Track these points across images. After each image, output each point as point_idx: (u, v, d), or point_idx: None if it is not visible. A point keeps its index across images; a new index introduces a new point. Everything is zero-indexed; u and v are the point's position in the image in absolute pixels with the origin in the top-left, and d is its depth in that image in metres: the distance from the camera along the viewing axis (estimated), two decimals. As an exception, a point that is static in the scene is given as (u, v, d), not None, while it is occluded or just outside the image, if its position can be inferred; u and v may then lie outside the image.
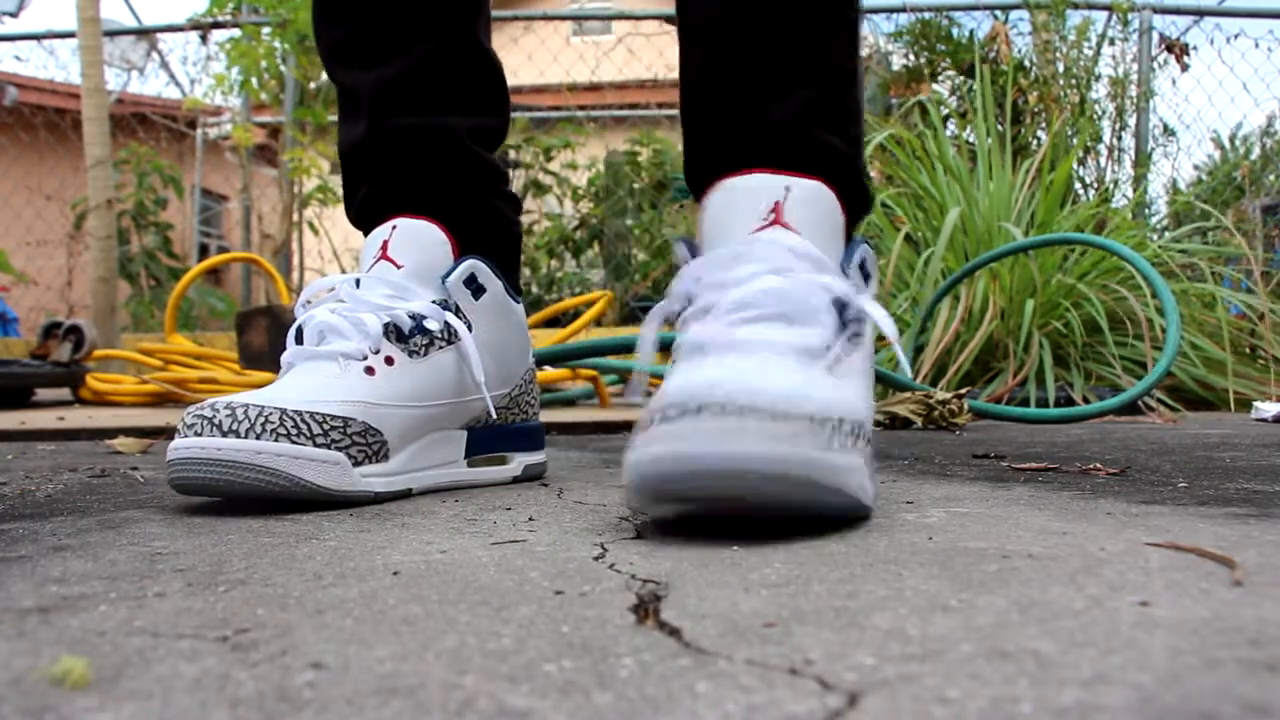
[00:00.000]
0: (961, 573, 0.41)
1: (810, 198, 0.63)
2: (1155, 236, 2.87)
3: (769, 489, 0.46)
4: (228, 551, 0.48)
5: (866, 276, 0.65)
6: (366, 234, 0.80)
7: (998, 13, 3.66)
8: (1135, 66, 3.55)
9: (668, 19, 3.60)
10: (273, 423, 0.61)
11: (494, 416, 0.77)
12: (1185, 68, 3.67)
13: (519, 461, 0.80)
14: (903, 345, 1.97)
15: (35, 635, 0.33)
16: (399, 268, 0.74)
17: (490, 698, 0.26)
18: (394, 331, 0.71)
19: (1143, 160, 3.47)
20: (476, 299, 0.76)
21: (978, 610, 0.34)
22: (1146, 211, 3.36)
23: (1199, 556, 0.43)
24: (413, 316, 0.72)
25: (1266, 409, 1.70)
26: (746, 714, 0.24)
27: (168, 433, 1.37)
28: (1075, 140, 2.82)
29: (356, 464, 0.65)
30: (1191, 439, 1.20)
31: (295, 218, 3.80)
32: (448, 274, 0.74)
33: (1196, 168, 4.26)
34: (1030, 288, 2.09)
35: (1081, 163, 3.31)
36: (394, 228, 0.74)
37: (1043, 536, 0.49)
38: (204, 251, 5.39)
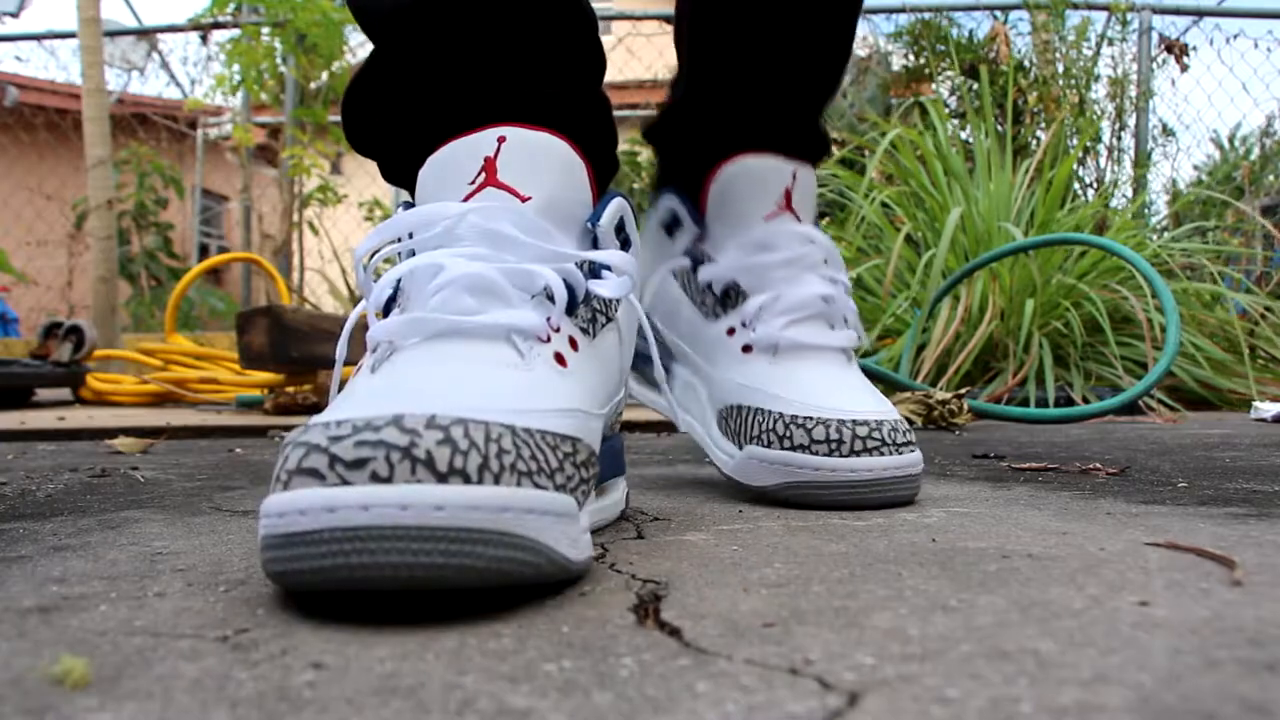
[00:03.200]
0: (961, 573, 0.41)
1: (809, 183, 0.72)
2: (1155, 237, 2.87)
3: None
4: (228, 551, 0.48)
5: None
6: (408, 155, 0.55)
7: (997, 13, 3.66)
8: (1135, 67, 3.55)
9: (668, 19, 3.60)
10: (508, 452, 0.36)
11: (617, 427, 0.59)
12: (1185, 68, 3.67)
13: (621, 490, 0.59)
14: (904, 345, 1.98)
15: (35, 635, 0.33)
16: (524, 199, 0.49)
17: (490, 698, 0.26)
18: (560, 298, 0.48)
19: (1142, 160, 3.47)
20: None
21: (978, 610, 0.34)
22: (1146, 211, 3.36)
23: (1199, 556, 0.43)
24: (593, 272, 0.51)
25: (1266, 409, 1.70)
26: (746, 714, 0.24)
27: (168, 432, 1.37)
28: (1075, 141, 2.82)
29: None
30: (1191, 439, 1.20)
31: (295, 218, 3.80)
32: (595, 215, 0.52)
33: (1196, 168, 4.27)
34: (1030, 288, 2.09)
35: (1081, 163, 3.31)
36: (501, 139, 0.50)
37: (1043, 536, 0.49)
38: (204, 251, 5.39)
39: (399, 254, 0.50)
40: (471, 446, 0.34)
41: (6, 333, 5.36)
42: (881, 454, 0.60)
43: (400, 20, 0.56)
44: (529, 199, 0.50)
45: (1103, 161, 3.45)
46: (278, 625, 0.33)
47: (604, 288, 0.51)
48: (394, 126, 0.59)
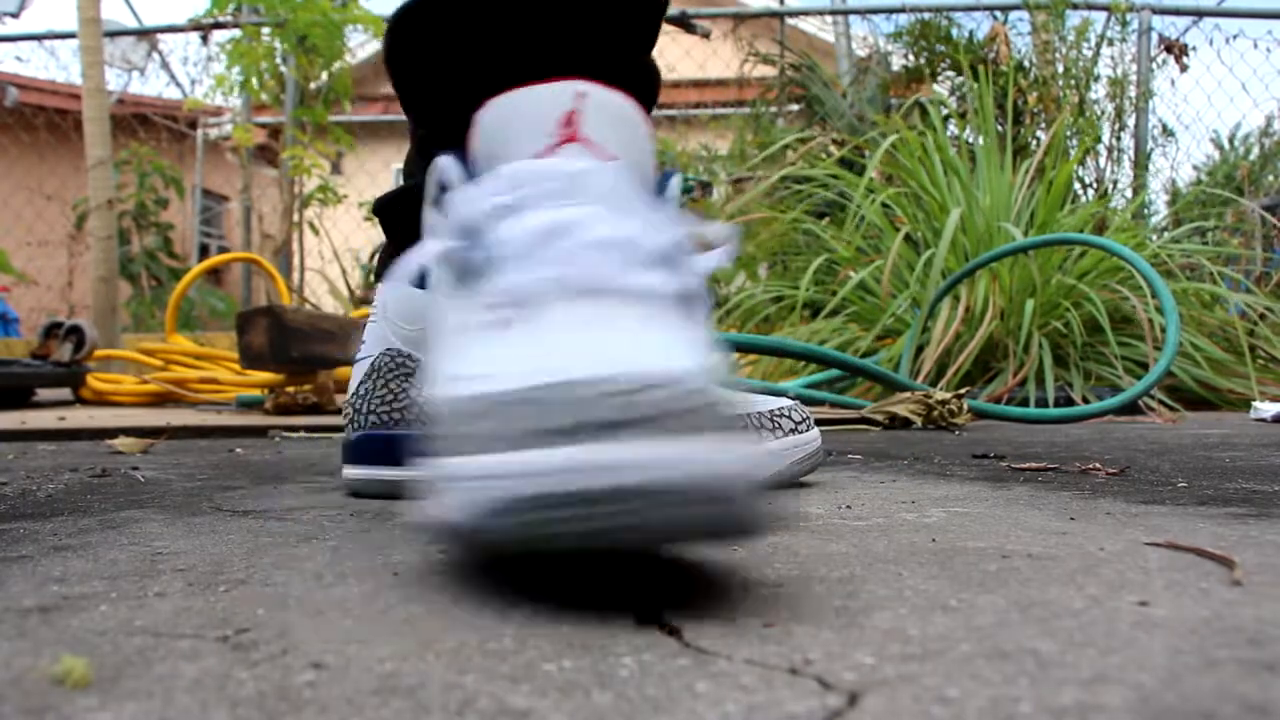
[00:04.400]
0: (961, 573, 0.41)
1: None
2: (1155, 237, 2.87)
3: None
4: (228, 551, 0.48)
5: None
6: (463, 95, 0.53)
7: (997, 13, 3.66)
8: (1134, 67, 3.55)
9: (667, 19, 3.58)
10: (729, 412, 0.36)
11: None
12: (1184, 68, 3.67)
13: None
14: (904, 345, 1.98)
15: (36, 635, 0.33)
16: (610, 159, 0.46)
17: (490, 697, 0.26)
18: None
19: (1142, 160, 3.47)
20: None
21: (977, 610, 0.34)
22: (1146, 212, 3.36)
23: (1198, 556, 0.43)
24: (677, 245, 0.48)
25: (1265, 409, 1.70)
26: (746, 714, 0.24)
27: (168, 432, 1.37)
28: (1075, 142, 2.82)
29: None
30: (1191, 439, 1.20)
31: (295, 218, 3.80)
32: (662, 186, 0.49)
33: (1196, 168, 4.27)
34: (1030, 288, 2.09)
35: (1081, 163, 3.31)
36: (580, 94, 0.47)
37: (1042, 536, 0.49)
38: (204, 252, 5.39)
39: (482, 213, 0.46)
40: (700, 404, 0.34)
41: (7, 333, 5.36)
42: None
43: None
44: (616, 159, 0.46)
45: (1103, 162, 3.45)
46: (278, 625, 0.33)
47: (710, 259, 0.47)
48: (451, 61, 0.54)
